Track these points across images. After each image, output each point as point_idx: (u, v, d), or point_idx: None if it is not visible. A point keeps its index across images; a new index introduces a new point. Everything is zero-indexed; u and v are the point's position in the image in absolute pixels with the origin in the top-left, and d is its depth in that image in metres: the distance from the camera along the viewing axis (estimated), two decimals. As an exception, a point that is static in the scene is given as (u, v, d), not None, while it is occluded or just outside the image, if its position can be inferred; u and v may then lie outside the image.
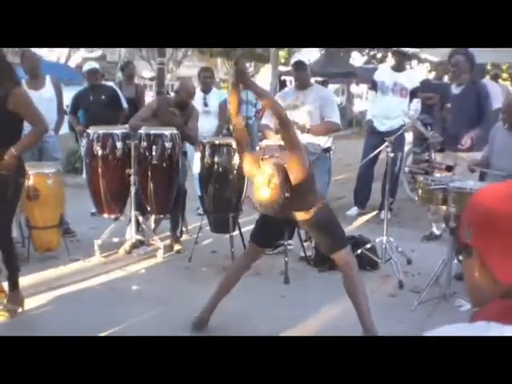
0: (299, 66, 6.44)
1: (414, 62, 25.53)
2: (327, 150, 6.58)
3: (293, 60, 6.58)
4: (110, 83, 9.93)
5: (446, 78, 10.09)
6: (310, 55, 7.08)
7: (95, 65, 8.74)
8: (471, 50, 7.63)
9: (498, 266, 1.44)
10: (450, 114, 6.99)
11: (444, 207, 5.57)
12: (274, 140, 6.23)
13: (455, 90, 7.10)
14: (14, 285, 5.02)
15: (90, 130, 6.60)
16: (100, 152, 6.44)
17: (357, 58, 34.70)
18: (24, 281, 5.46)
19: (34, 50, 7.20)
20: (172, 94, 7.91)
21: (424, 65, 27.08)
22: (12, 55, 8.87)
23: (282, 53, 32.15)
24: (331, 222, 4.61)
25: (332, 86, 30.84)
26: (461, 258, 1.61)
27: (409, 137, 9.49)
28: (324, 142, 6.50)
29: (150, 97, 23.74)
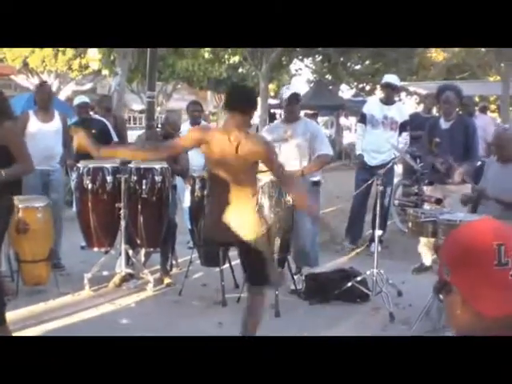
0: (294, 98, 6.50)
1: (403, 94, 25.79)
2: (316, 183, 6.62)
3: (287, 93, 6.60)
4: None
5: (434, 111, 10.18)
6: (299, 88, 7.16)
7: (85, 98, 8.77)
8: (457, 83, 7.72)
9: (481, 299, 1.45)
10: (438, 148, 7.05)
11: (434, 239, 5.61)
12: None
13: (444, 124, 7.17)
14: (0, 319, 4.97)
15: (80, 164, 6.61)
16: (90, 186, 6.44)
17: (345, 91, 35.00)
18: (13, 315, 5.42)
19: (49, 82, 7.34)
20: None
21: (413, 97, 27.35)
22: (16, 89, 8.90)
23: (272, 86, 32.41)
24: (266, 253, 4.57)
25: (321, 119, 31.07)
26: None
27: (398, 169, 9.53)
28: (313, 174, 6.54)
29: (138, 130, 23.81)
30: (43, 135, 7.02)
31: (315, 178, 6.62)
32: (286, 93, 6.64)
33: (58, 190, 7.21)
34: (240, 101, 4.43)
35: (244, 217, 4.40)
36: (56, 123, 7.24)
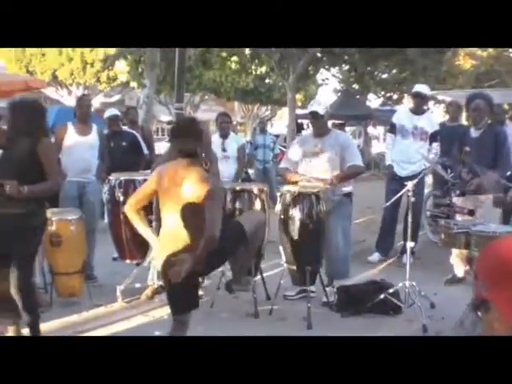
0: (314, 116, 6.51)
1: (431, 103, 25.63)
2: (348, 194, 6.61)
3: (309, 109, 6.63)
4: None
5: (463, 118, 10.10)
6: (326, 101, 7.13)
7: (116, 111, 8.85)
8: (489, 91, 7.65)
9: None
10: (468, 157, 7.00)
11: (467, 251, 5.58)
12: (298, 178, 6.29)
13: (474, 133, 7.12)
14: (34, 331, 5.02)
15: (112, 177, 6.68)
16: (122, 198, 6.49)
17: (373, 100, 34.91)
18: (46, 326, 5.48)
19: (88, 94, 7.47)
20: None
21: (441, 106, 27.18)
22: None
23: (299, 96, 32.43)
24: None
25: (349, 129, 31.02)
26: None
27: (428, 179, 9.47)
28: (345, 186, 6.53)
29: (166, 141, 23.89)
30: (80, 148, 7.12)
31: (347, 190, 6.60)
32: (309, 108, 6.66)
33: (94, 201, 7.28)
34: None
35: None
36: (93, 136, 7.32)
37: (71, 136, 7.17)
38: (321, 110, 6.48)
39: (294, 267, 6.19)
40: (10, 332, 5.07)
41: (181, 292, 4.42)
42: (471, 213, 6.07)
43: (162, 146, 16.21)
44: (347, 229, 6.62)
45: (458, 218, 6.47)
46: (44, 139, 4.91)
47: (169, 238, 4.46)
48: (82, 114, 7.33)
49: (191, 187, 4.32)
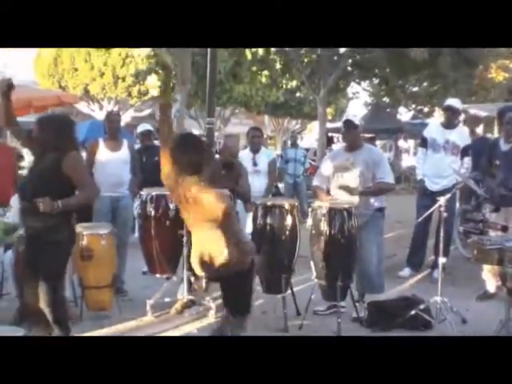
0: (348, 125, 6.49)
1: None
2: (381, 209, 6.57)
3: (344, 118, 6.62)
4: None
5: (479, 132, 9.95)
6: (359, 115, 7.11)
7: (149, 126, 8.93)
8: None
9: None
10: (499, 171, 6.93)
11: (499, 267, 5.51)
12: (326, 201, 6.26)
13: (504, 146, 7.06)
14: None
15: (144, 192, 6.72)
16: (153, 213, 6.54)
17: (403, 114, 34.77)
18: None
19: (117, 111, 7.52)
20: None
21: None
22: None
23: (330, 110, 32.42)
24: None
25: (379, 142, 30.89)
26: None
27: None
28: (377, 201, 6.49)
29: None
30: (112, 163, 7.19)
31: (380, 205, 6.56)
32: (343, 118, 6.65)
33: (126, 215, 7.34)
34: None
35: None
36: (124, 152, 7.40)
37: (103, 152, 7.25)
38: (356, 120, 6.47)
39: (325, 282, 6.16)
40: None
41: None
42: (505, 229, 6.00)
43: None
44: (380, 243, 6.58)
45: (491, 233, 6.39)
46: (71, 152, 4.93)
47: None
48: (112, 130, 7.41)
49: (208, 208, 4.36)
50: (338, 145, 21.66)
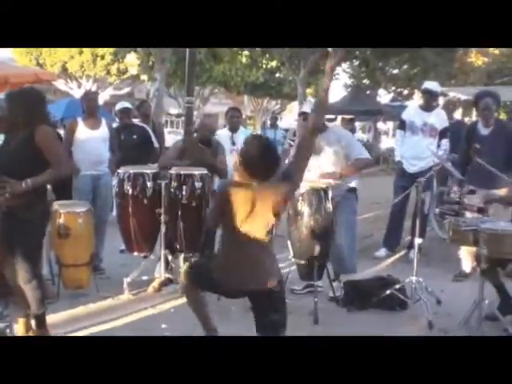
0: (304, 117, 6.48)
1: (440, 99, 25.47)
2: (353, 189, 6.59)
3: (299, 111, 6.62)
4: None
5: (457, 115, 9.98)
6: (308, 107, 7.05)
7: (127, 104, 8.86)
8: (498, 88, 7.61)
9: None
10: (478, 155, 6.98)
11: (474, 248, 5.57)
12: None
13: (483, 130, 7.12)
14: (40, 322, 5.03)
15: (121, 170, 6.69)
16: (130, 191, 6.51)
17: (383, 96, 34.83)
18: (53, 318, 5.51)
19: (94, 90, 7.45)
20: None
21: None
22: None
23: (310, 90, 32.37)
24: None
25: (358, 124, 30.95)
26: None
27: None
28: (349, 181, 6.51)
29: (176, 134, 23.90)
30: (91, 142, 7.18)
31: (351, 185, 6.59)
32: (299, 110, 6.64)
33: (106, 194, 7.33)
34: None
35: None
36: (103, 130, 7.38)
37: (82, 130, 7.22)
38: (308, 110, 6.41)
39: (302, 262, 6.20)
40: (20, 324, 5.10)
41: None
42: (481, 210, 6.05)
43: (171, 139, 16.20)
44: (352, 224, 6.62)
45: (468, 215, 6.45)
46: (42, 126, 4.84)
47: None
48: (90, 108, 7.39)
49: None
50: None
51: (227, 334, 5.41)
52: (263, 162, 4.16)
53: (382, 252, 8.52)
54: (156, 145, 8.55)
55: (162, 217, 6.52)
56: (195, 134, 7.37)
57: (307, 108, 6.36)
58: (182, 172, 6.49)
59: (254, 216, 4.23)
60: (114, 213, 7.20)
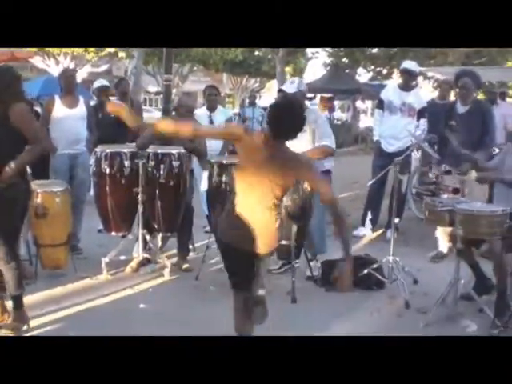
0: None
1: (420, 79, 25.53)
2: (327, 171, 6.57)
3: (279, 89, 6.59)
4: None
5: (451, 97, 10.04)
6: (301, 81, 6.99)
7: (105, 82, 8.76)
8: (476, 69, 7.64)
9: None
10: (453, 132, 7.03)
11: (451, 229, 5.61)
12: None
13: (460, 109, 7.17)
14: (18, 303, 5.01)
15: (98, 149, 6.65)
16: (108, 170, 6.48)
17: (362, 75, 34.79)
18: (31, 298, 5.49)
19: (72, 67, 7.39)
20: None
21: (430, 81, 27.13)
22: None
23: (288, 69, 32.29)
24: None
25: (337, 102, 30.94)
26: None
27: (416, 155, 9.49)
28: (323, 163, 6.47)
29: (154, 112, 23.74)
30: (69, 120, 7.11)
31: (326, 167, 6.57)
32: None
33: (83, 173, 7.27)
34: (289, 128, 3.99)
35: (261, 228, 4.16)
36: (81, 108, 7.32)
37: (59, 109, 7.14)
38: (290, 90, 6.34)
39: (280, 242, 6.20)
40: None
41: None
42: (456, 191, 6.09)
43: (149, 117, 16.11)
44: (322, 206, 6.60)
45: (444, 196, 6.49)
46: (17, 103, 4.77)
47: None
48: (68, 86, 7.31)
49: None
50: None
51: (204, 313, 5.44)
52: (289, 119, 3.94)
53: (360, 231, 8.56)
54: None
55: (140, 196, 6.49)
56: (173, 113, 7.33)
57: (291, 89, 6.29)
58: (159, 151, 6.46)
59: (266, 174, 4.04)
60: (92, 192, 7.16)
